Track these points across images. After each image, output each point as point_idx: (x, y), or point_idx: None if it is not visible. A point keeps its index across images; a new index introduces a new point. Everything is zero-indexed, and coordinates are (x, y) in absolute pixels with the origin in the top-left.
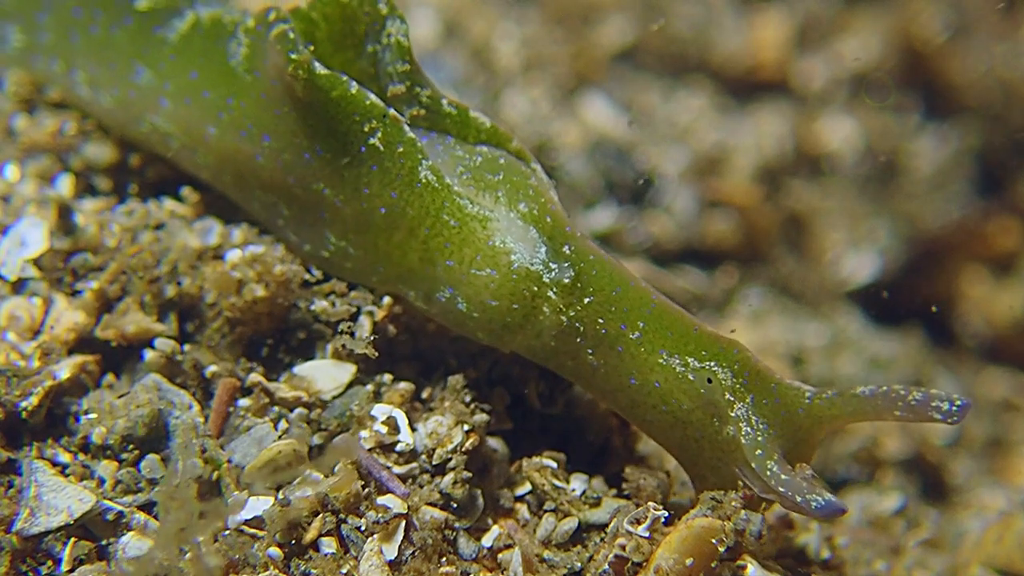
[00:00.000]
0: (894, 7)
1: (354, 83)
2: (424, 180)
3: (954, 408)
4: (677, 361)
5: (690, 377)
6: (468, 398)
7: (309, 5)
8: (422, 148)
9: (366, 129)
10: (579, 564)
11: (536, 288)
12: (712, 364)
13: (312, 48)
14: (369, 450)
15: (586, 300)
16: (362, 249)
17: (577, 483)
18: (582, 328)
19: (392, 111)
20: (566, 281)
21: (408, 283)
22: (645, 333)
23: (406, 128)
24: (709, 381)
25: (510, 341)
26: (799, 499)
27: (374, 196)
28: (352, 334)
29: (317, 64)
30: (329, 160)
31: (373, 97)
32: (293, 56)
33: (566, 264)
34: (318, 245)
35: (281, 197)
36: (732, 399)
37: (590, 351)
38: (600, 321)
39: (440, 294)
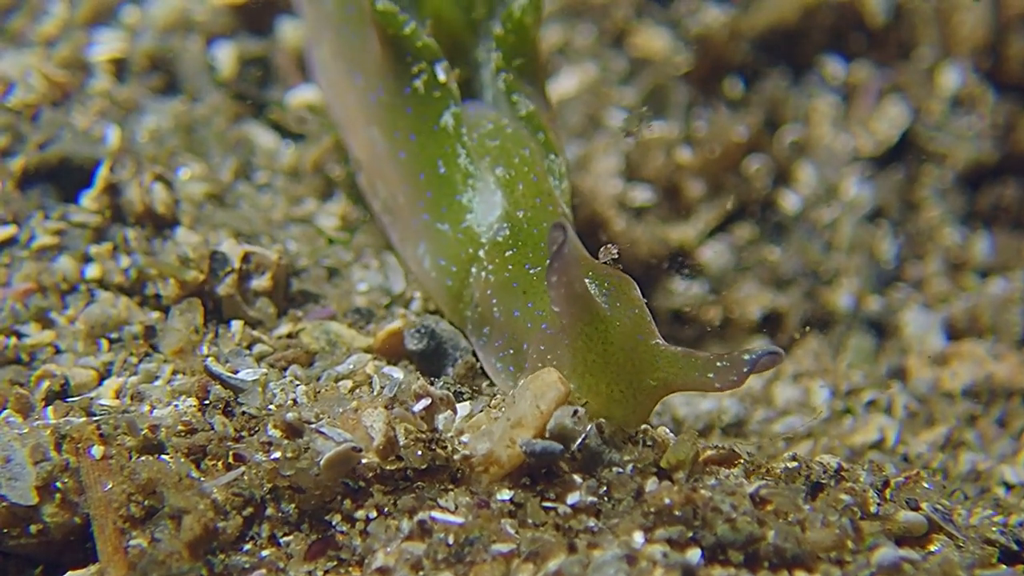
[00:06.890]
0: None
1: (411, 24)
2: (442, 124)
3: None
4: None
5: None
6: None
7: None
8: (456, 97)
9: (414, 70)
10: None
11: (471, 250)
12: None
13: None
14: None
15: (507, 253)
16: (389, 194)
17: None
18: (494, 279)
19: (445, 63)
20: (499, 239)
21: (407, 240)
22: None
23: (446, 75)
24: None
25: (455, 312)
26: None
27: (400, 140)
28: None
29: (380, 1)
30: (384, 103)
31: (427, 40)
32: (378, 6)
33: (506, 225)
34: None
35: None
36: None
37: (497, 312)
38: (509, 267)
39: (417, 249)
